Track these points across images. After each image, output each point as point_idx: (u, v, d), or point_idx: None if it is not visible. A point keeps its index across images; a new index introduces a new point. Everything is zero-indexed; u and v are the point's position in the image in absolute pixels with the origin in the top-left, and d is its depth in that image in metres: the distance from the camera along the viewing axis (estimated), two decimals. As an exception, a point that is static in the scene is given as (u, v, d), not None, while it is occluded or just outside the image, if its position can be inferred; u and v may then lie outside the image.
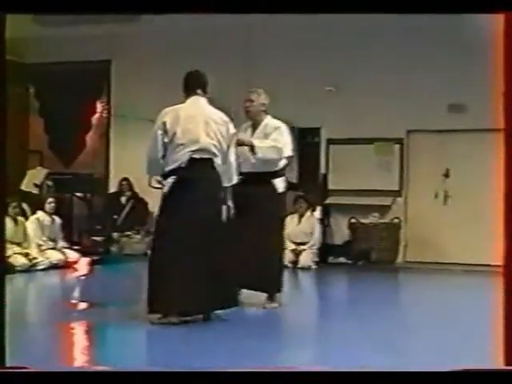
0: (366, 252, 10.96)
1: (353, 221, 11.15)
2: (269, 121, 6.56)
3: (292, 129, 7.83)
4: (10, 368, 2.96)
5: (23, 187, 11.74)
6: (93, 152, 12.87)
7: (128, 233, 11.71)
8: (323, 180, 11.68)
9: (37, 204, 10.43)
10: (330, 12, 3.22)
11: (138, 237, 11.61)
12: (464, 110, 10.75)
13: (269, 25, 10.60)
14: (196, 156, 5.56)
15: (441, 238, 11.01)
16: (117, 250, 11.53)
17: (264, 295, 6.47)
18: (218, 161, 5.67)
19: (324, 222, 11.30)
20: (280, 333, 5.80)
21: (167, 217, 5.62)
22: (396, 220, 11.08)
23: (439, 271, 10.34)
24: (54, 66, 12.50)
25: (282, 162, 6.56)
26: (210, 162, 5.62)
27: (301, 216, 10.79)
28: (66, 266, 9.70)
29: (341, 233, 11.38)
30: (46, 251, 9.75)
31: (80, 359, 4.61)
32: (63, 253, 9.94)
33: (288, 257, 9.77)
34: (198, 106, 5.74)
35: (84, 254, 10.33)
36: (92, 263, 10.04)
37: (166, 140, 5.58)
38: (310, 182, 11.73)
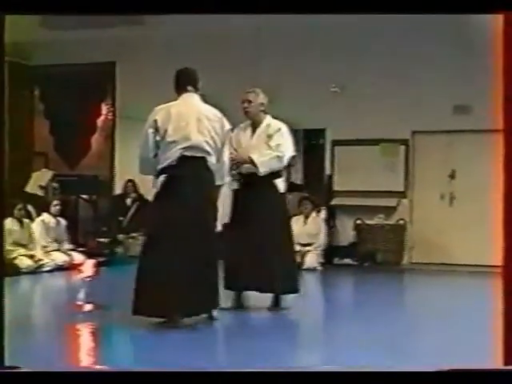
0: (372, 253, 10.95)
1: (358, 222, 11.14)
2: (270, 121, 6.42)
3: (296, 131, 7.79)
4: (4, 368, 2.95)
5: (28, 189, 11.74)
6: (98, 154, 12.87)
7: (133, 234, 11.68)
8: (328, 181, 11.68)
9: (42, 206, 10.45)
10: (330, 12, 3.22)
11: (144, 238, 11.61)
12: (469, 111, 10.73)
13: (273, 26, 10.59)
14: (187, 154, 5.41)
15: (447, 239, 10.98)
16: (122, 252, 11.50)
17: (270, 297, 6.39)
18: (211, 160, 5.51)
19: (329, 223, 11.29)
20: (285, 334, 5.78)
21: (156, 216, 5.52)
22: (401, 221, 11.06)
23: (445, 272, 10.32)
24: (59, 68, 12.51)
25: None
26: (202, 160, 5.47)
27: (306, 217, 10.78)
28: (72, 267, 9.68)
29: (346, 234, 11.36)
30: (52, 253, 9.78)
31: (85, 361, 4.60)
32: (68, 254, 9.97)
33: (293, 258, 9.76)
34: (190, 103, 5.60)
35: (89, 255, 10.27)
36: (97, 265, 9.97)
37: (157, 138, 5.47)
38: (315, 184, 11.75)
